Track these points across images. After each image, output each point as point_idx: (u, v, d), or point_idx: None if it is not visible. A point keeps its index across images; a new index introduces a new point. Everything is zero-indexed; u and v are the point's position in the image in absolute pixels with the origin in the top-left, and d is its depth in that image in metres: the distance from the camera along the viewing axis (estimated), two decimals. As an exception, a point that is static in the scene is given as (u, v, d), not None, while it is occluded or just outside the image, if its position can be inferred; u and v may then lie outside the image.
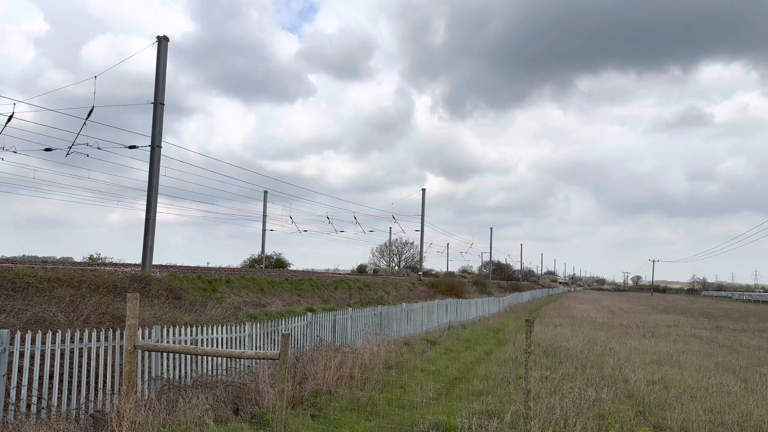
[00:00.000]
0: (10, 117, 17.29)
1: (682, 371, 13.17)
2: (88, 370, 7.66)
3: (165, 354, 8.73)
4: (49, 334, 7.35)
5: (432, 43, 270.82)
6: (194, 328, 9.54)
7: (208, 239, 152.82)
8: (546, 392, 9.89)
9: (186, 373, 9.03)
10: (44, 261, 27.45)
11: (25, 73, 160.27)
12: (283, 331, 7.17)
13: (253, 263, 51.39)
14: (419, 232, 49.80)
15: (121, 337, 8.16)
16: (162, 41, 18.04)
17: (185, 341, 9.26)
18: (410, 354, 14.91)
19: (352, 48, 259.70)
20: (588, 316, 33.97)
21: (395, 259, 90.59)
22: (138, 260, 19.48)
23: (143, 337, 8.54)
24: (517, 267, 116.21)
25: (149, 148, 17.85)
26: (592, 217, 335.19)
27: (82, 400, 7.49)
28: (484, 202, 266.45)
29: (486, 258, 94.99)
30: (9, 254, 45.94)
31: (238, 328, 10.45)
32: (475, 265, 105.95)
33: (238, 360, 9.90)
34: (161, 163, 18.03)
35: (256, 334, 10.92)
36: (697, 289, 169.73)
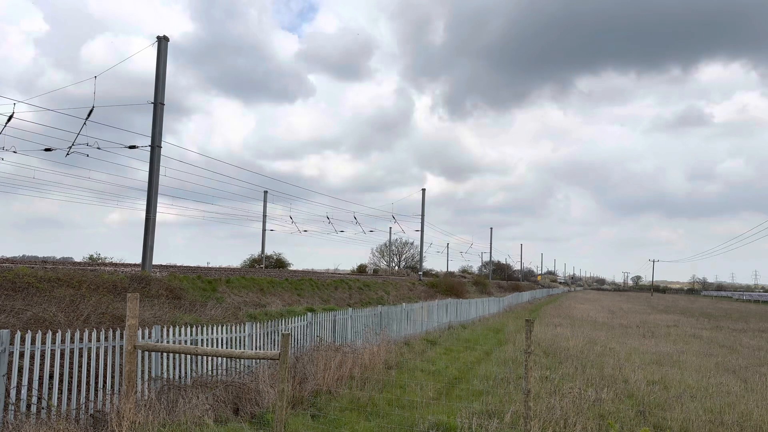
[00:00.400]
0: (10, 117, 17.29)
1: (682, 371, 13.17)
2: (88, 370, 7.66)
3: (165, 354, 8.73)
4: (49, 334, 7.35)
5: (432, 43, 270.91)
6: (194, 328, 9.54)
7: (208, 239, 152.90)
8: (546, 392, 9.89)
9: (186, 373, 9.03)
10: (44, 261, 27.45)
11: (24, 73, 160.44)
12: (283, 331, 7.17)
13: (253, 263, 51.40)
14: (419, 232, 49.85)
15: (121, 337, 8.16)
16: (162, 41, 18.05)
17: (185, 341, 9.26)
18: (410, 354, 14.91)
19: (351, 48, 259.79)
20: (588, 316, 33.97)
21: (395, 259, 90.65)
22: (138, 260, 19.49)
23: (143, 337, 8.54)
24: (517, 267, 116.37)
25: (149, 148, 17.85)
26: (592, 217, 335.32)
27: (82, 400, 7.49)
28: (484, 202, 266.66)
29: (486, 258, 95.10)
30: (9, 254, 45.99)
31: (238, 328, 10.45)
32: (475, 265, 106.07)
33: (238, 360, 9.90)
34: (161, 163, 18.04)
35: (256, 334, 10.92)
36: (697, 289, 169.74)
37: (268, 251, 53.20)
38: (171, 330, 9.13)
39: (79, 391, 7.51)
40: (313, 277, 30.31)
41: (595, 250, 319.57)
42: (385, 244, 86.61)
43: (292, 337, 11.91)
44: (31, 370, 7.10)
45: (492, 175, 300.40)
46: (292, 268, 52.05)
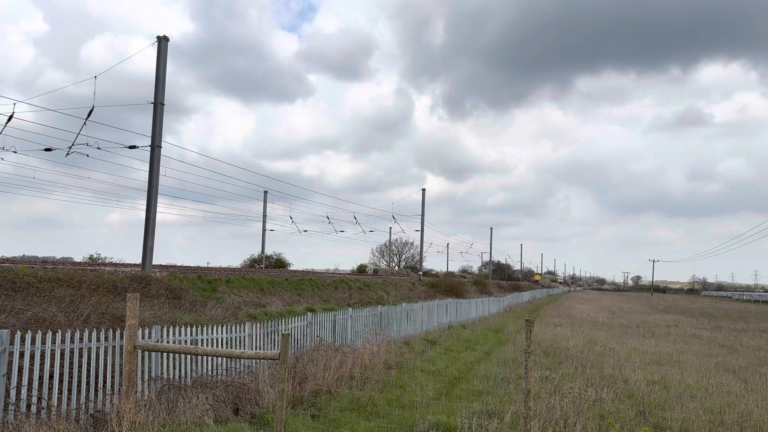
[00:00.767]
0: (10, 117, 17.29)
1: (682, 371, 13.17)
2: (88, 370, 7.65)
3: (165, 354, 8.73)
4: (49, 334, 7.35)
5: (431, 43, 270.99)
6: (194, 328, 9.54)
7: (208, 239, 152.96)
8: (546, 392, 9.89)
9: (186, 373, 9.03)
10: (44, 261, 27.44)
11: (24, 73, 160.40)
12: (283, 331, 7.17)
13: (253, 263, 51.39)
14: (419, 232, 49.85)
15: (121, 337, 8.16)
16: (162, 41, 18.05)
17: (185, 341, 9.25)
18: (410, 354, 14.90)
19: (351, 48, 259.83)
20: (588, 316, 33.96)
21: (395, 259, 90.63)
22: (138, 260, 19.49)
23: (143, 337, 8.54)
24: (517, 267, 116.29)
25: (149, 148, 17.85)
26: (592, 217, 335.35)
27: (82, 400, 7.48)
28: (483, 202, 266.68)
29: (486, 258, 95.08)
30: (9, 254, 45.97)
31: (238, 328, 10.44)
32: (475, 265, 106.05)
33: (238, 360, 9.90)
34: (161, 163, 18.03)
35: (256, 334, 10.92)
36: (697, 289, 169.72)
37: (268, 251, 53.24)
38: (171, 330, 9.13)
39: (79, 391, 7.50)
40: (313, 277, 30.31)
41: (595, 250, 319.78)
42: (385, 244, 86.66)
43: (292, 337, 11.91)
44: (31, 370, 7.10)
45: (492, 175, 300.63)
46: (292, 268, 52.05)
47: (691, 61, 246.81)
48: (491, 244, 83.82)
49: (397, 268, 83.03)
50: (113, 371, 7.99)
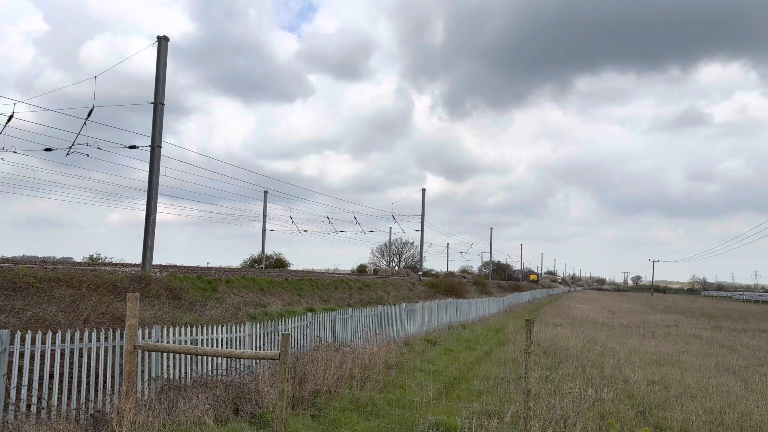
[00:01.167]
0: (10, 117, 17.29)
1: (682, 371, 13.17)
2: (88, 370, 7.65)
3: (165, 354, 8.73)
4: (49, 334, 7.35)
5: (431, 43, 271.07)
6: (194, 328, 9.54)
7: (208, 239, 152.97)
8: (546, 392, 9.89)
9: (186, 373, 9.02)
10: (44, 261, 27.44)
11: (24, 73, 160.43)
12: (283, 331, 7.17)
13: (253, 263, 51.39)
14: (419, 232, 49.84)
15: (121, 337, 8.16)
16: (162, 41, 18.04)
17: (185, 341, 9.25)
18: (410, 354, 14.90)
19: (351, 48, 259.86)
20: (588, 316, 33.96)
21: (395, 259, 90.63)
22: (138, 260, 19.49)
23: (143, 337, 8.54)
24: (517, 267, 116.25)
25: (149, 148, 17.84)
26: (592, 217, 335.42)
27: (82, 400, 7.49)
28: (483, 202, 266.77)
29: (486, 258, 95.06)
30: (9, 254, 46.00)
31: (238, 328, 10.44)
32: (475, 265, 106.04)
33: (238, 360, 9.90)
34: (161, 163, 18.03)
35: (256, 334, 10.92)
36: (697, 289, 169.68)
37: (268, 251, 53.23)
38: (171, 330, 9.13)
39: (79, 391, 7.50)
40: (313, 277, 30.30)
41: (595, 250, 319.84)
42: (385, 244, 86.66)
43: (292, 337, 11.91)
44: (31, 370, 7.10)
45: (492, 175, 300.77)
46: (292, 268, 52.04)
47: (691, 61, 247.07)
48: (491, 244, 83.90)
49: (397, 268, 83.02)
50: (113, 371, 7.99)
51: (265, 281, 22.24)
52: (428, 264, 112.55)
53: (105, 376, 7.86)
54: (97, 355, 7.83)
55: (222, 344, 9.98)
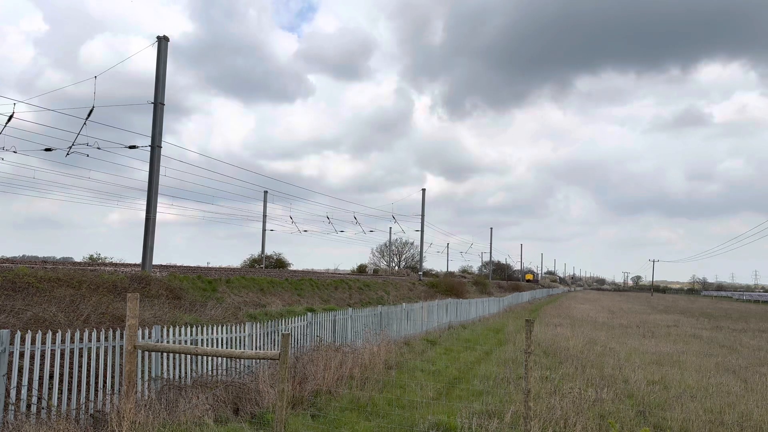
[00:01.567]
0: (10, 117, 17.29)
1: (682, 371, 13.17)
2: (88, 370, 7.65)
3: (165, 354, 8.73)
4: (49, 334, 7.35)
5: (431, 42, 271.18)
6: (194, 328, 9.54)
7: (208, 239, 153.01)
8: (546, 392, 9.89)
9: (186, 373, 9.02)
10: (44, 261, 27.44)
11: (24, 73, 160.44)
12: (283, 331, 7.17)
13: (253, 263, 51.38)
14: (419, 232, 49.85)
15: (121, 337, 8.16)
16: (162, 41, 18.04)
17: (185, 341, 9.25)
18: (410, 354, 14.90)
19: (351, 48, 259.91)
20: (588, 316, 33.96)
21: (395, 259, 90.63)
22: (138, 260, 19.49)
23: (143, 337, 8.53)
24: (517, 267, 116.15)
25: (149, 148, 17.84)
26: (592, 217, 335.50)
27: (82, 400, 7.49)
28: (483, 202, 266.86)
29: (486, 258, 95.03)
30: (9, 254, 46.01)
31: (238, 328, 10.44)
32: (475, 265, 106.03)
33: (238, 360, 9.90)
34: (161, 163, 18.03)
35: (256, 334, 10.92)
36: (697, 289, 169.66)
37: (268, 251, 53.23)
38: (171, 330, 9.13)
39: (79, 391, 7.50)
40: (313, 277, 30.30)
41: (595, 250, 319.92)
42: (385, 244, 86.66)
43: (292, 337, 11.91)
44: (31, 370, 7.10)
45: (492, 175, 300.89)
46: (292, 268, 52.04)
47: (691, 61, 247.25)
48: (491, 244, 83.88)
49: (397, 268, 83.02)
50: (113, 371, 7.99)
51: (265, 281, 22.24)
52: (428, 264, 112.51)
53: (105, 376, 7.86)
54: (97, 355, 7.83)
55: (222, 344, 9.98)
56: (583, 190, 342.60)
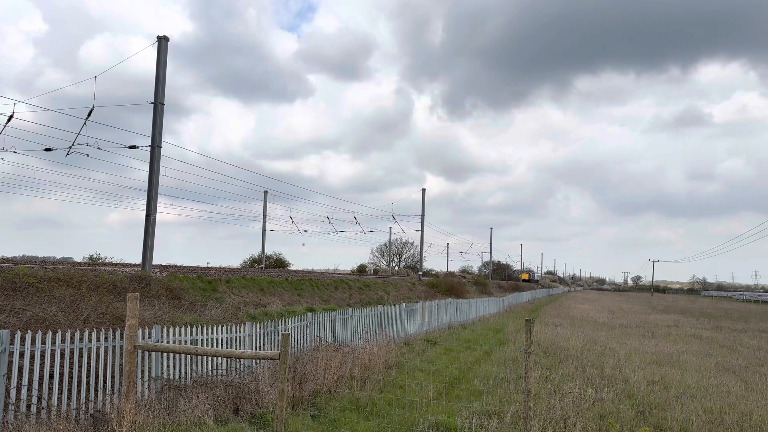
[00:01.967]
0: (10, 117, 17.29)
1: (682, 371, 13.17)
2: (88, 370, 7.65)
3: (165, 354, 8.73)
4: (49, 334, 7.35)
5: (431, 42, 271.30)
6: (194, 328, 9.54)
7: (208, 239, 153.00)
8: (546, 392, 9.89)
9: (186, 373, 9.02)
10: (44, 261, 27.44)
11: (24, 73, 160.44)
12: (283, 331, 7.17)
13: (253, 263, 51.38)
14: (419, 232, 49.85)
15: (121, 337, 8.16)
16: (162, 41, 18.04)
17: (185, 341, 9.25)
18: (410, 354, 14.90)
19: (350, 48, 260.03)
20: (588, 316, 33.96)
21: (395, 259, 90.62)
22: (138, 260, 19.48)
23: (143, 337, 8.53)
24: (517, 267, 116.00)
25: (149, 148, 17.84)
26: (592, 217, 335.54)
27: (82, 400, 7.48)
28: (483, 202, 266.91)
29: (486, 258, 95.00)
30: (9, 254, 45.98)
31: (238, 328, 10.44)
32: (475, 265, 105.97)
33: (238, 360, 9.90)
34: (161, 163, 18.03)
35: (256, 334, 10.92)
36: (697, 289, 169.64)
37: (268, 251, 53.23)
38: (171, 330, 9.13)
39: (79, 391, 7.50)
40: (313, 277, 30.30)
41: (595, 250, 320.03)
42: (385, 244, 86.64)
43: (292, 337, 11.91)
44: (31, 370, 7.10)
45: (491, 175, 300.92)
46: (292, 268, 52.03)
47: (691, 61, 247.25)
48: (491, 244, 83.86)
49: (397, 268, 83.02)
50: (113, 371, 7.99)
51: (265, 281, 22.24)
52: (428, 264, 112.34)
53: (105, 376, 7.86)
54: (97, 355, 7.83)
55: (222, 344, 9.98)
56: (583, 190, 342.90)
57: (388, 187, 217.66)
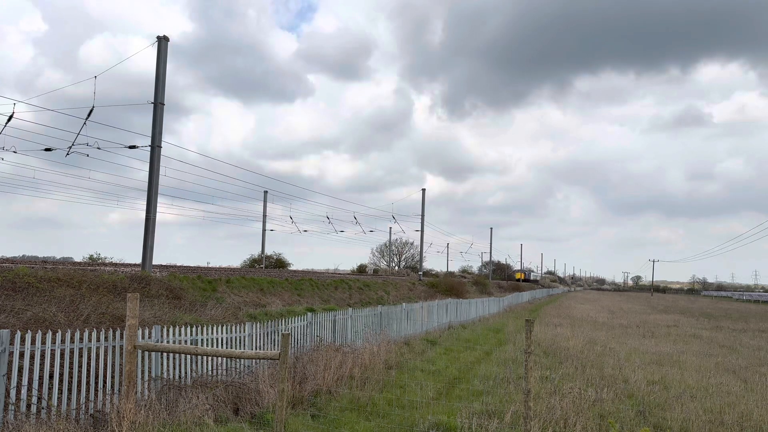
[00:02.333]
0: (10, 117, 17.29)
1: (682, 371, 13.17)
2: (88, 370, 7.65)
3: (165, 354, 8.73)
4: (49, 334, 7.35)
5: (430, 42, 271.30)
6: (194, 328, 9.54)
7: (208, 239, 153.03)
8: (546, 392, 9.89)
9: (186, 373, 9.02)
10: (44, 261, 27.44)
11: (23, 73, 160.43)
12: (283, 331, 7.17)
13: (253, 263, 51.38)
14: (419, 232, 49.85)
15: (121, 337, 8.16)
16: (162, 41, 18.04)
17: (185, 341, 9.25)
18: (410, 354, 14.90)
19: (350, 48, 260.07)
20: (588, 316, 33.96)
21: (395, 259, 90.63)
22: (138, 260, 19.49)
23: (143, 337, 8.53)
24: (517, 267, 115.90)
25: (149, 148, 17.85)
26: (592, 217, 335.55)
27: (82, 400, 7.49)
28: (483, 202, 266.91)
29: (486, 258, 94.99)
30: (9, 254, 45.97)
31: (238, 328, 10.44)
32: (475, 265, 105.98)
33: (238, 360, 9.90)
34: (161, 163, 18.04)
35: (256, 334, 10.92)
36: (697, 289, 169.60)
37: (268, 251, 53.22)
38: (171, 330, 9.13)
39: (79, 391, 7.50)
40: (313, 277, 30.30)
41: (595, 250, 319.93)
42: (385, 244, 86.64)
43: (292, 337, 11.91)
44: (31, 370, 7.10)
45: (491, 175, 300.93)
46: (292, 268, 52.03)
47: (690, 61, 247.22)
48: (491, 244, 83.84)
49: (397, 268, 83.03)
50: (113, 371, 7.99)
51: (265, 281, 22.24)
52: (428, 264, 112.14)
53: (105, 376, 7.86)
54: (97, 355, 7.83)
55: (222, 344, 9.98)
56: (583, 190, 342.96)
57: (388, 187, 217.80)
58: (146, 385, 8.24)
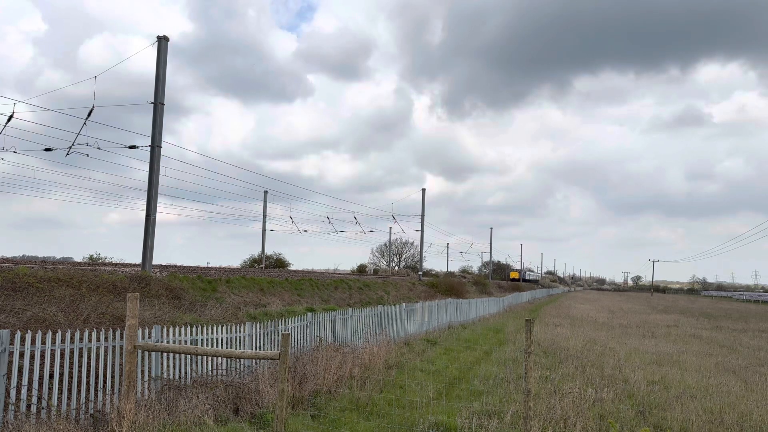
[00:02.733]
0: (10, 117, 17.29)
1: (682, 371, 13.17)
2: (88, 370, 7.65)
3: (165, 354, 8.73)
4: (49, 334, 7.35)
5: (430, 42, 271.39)
6: (194, 328, 9.54)
7: (208, 239, 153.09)
8: (546, 392, 9.89)
9: (186, 373, 9.02)
10: (44, 261, 27.44)
11: (23, 72, 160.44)
12: (283, 331, 7.17)
13: (253, 263, 51.37)
14: (419, 232, 49.86)
15: (121, 337, 8.16)
16: (162, 41, 18.04)
17: (185, 341, 9.25)
18: (410, 354, 14.90)
19: (350, 48, 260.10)
20: (588, 316, 33.96)
21: (395, 259, 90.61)
22: (138, 260, 19.49)
23: (143, 337, 8.53)
24: (517, 267, 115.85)
25: (149, 148, 17.85)
26: (592, 217, 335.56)
27: (82, 400, 7.48)
28: (483, 202, 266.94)
29: (486, 258, 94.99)
30: (9, 254, 45.95)
31: (238, 328, 10.44)
32: (475, 265, 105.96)
33: (238, 360, 9.90)
34: (161, 163, 18.03)
35: (256, 334, 10.92)
36: (697, 289, 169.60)
37: (268, 251, 53.22)
38: (171, 330, 9.13)
39: (79, 391, 7.50)
40: (313, 277, 30.30)
41: (595, 250, 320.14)
42: (385, 244, 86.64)
43: (292, 337, 11.91)
44: (31, 370, 7.10)
45: (491, 175, 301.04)
46: (292, 268, 52.03)
47: (690, 61, 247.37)
48: (491, 244, 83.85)
49: (397, 268, 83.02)
50: (113, 371, 7.99)
51: (265, 281, 22.24)
52: (428, 264, 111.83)
53: (105, 376, 7.86)
54: (97, 355, 7.83)
55: (222, 344, 9.98)
56: (582, 190, 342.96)
57: (387, 187, 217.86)
58: (146, 385, 8.24)
